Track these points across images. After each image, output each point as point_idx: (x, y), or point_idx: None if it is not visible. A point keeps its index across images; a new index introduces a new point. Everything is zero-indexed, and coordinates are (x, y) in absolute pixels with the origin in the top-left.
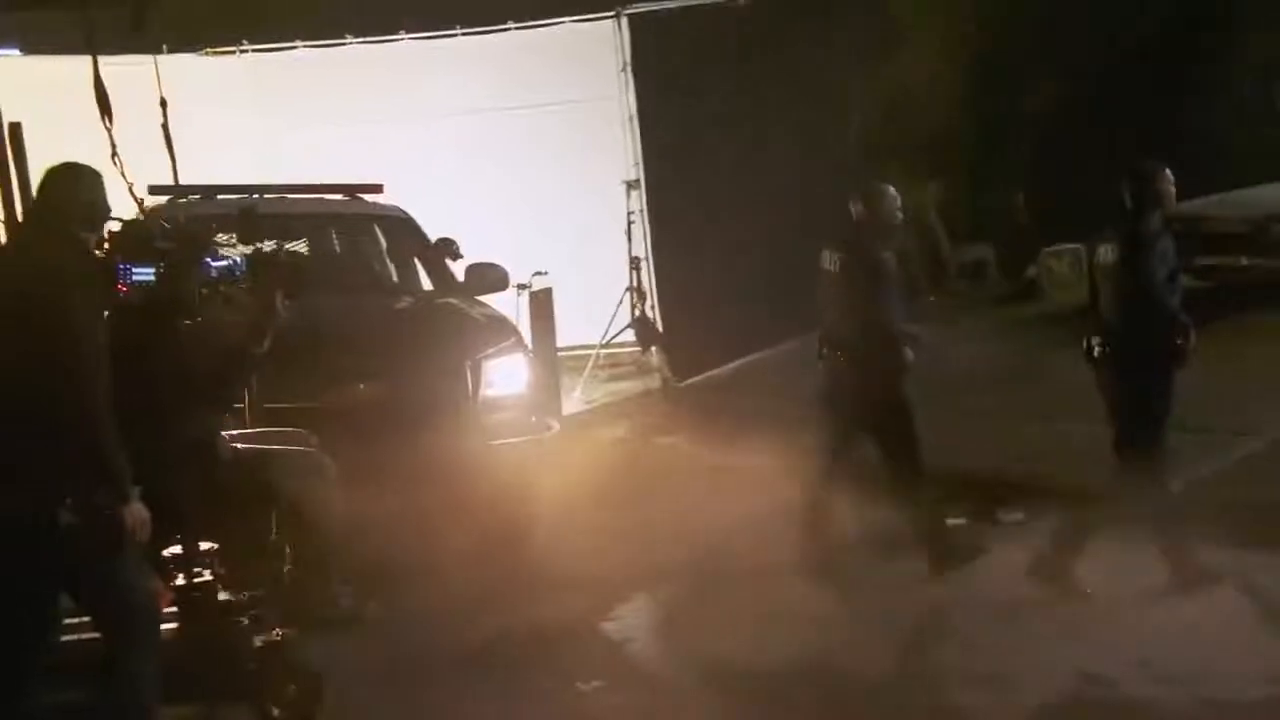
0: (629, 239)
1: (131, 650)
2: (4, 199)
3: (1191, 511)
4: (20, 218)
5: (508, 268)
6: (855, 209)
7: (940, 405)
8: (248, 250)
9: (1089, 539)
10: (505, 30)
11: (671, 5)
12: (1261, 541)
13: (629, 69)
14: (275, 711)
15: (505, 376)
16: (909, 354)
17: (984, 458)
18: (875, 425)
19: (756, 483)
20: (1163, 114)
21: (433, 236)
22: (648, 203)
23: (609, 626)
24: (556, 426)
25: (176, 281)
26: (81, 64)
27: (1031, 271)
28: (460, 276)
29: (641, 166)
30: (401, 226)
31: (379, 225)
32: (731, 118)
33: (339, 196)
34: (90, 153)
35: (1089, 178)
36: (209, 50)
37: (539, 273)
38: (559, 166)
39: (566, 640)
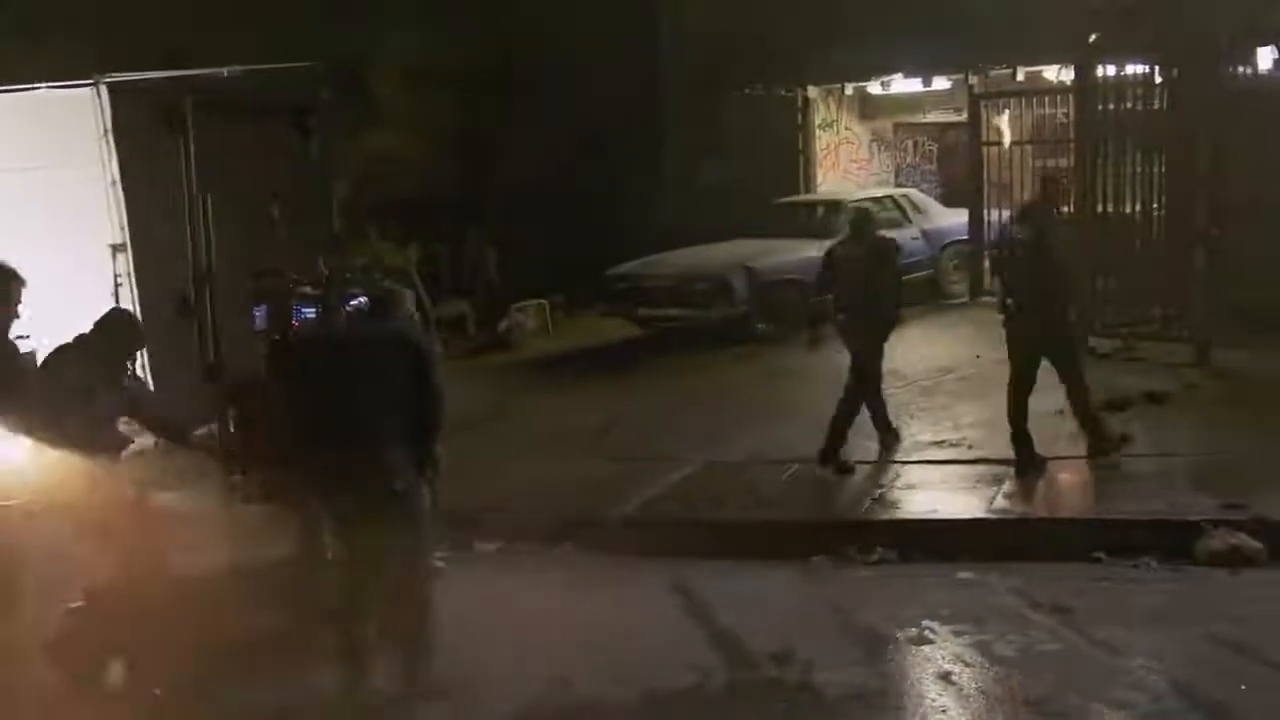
0: (117, 301)
1: (423, 578)
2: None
3: (642, 527)
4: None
5: None
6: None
7: None
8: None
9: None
10: None
11: (154, 75)
12: (692, 551)
13: (110, 135)
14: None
15: None
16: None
17: (466, 494)
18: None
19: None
20: (613, 190)
21: None
22: (135, 265)
23: None
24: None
25: (328, 316)
26: None
27: (503, 325)
28: None
29: (127, 230)
30: None
31: None
32: (221, 181)
33: None
34: None
35: (551, 243)
36: None
37: (21, 336)
38: (42, 231)
39: None
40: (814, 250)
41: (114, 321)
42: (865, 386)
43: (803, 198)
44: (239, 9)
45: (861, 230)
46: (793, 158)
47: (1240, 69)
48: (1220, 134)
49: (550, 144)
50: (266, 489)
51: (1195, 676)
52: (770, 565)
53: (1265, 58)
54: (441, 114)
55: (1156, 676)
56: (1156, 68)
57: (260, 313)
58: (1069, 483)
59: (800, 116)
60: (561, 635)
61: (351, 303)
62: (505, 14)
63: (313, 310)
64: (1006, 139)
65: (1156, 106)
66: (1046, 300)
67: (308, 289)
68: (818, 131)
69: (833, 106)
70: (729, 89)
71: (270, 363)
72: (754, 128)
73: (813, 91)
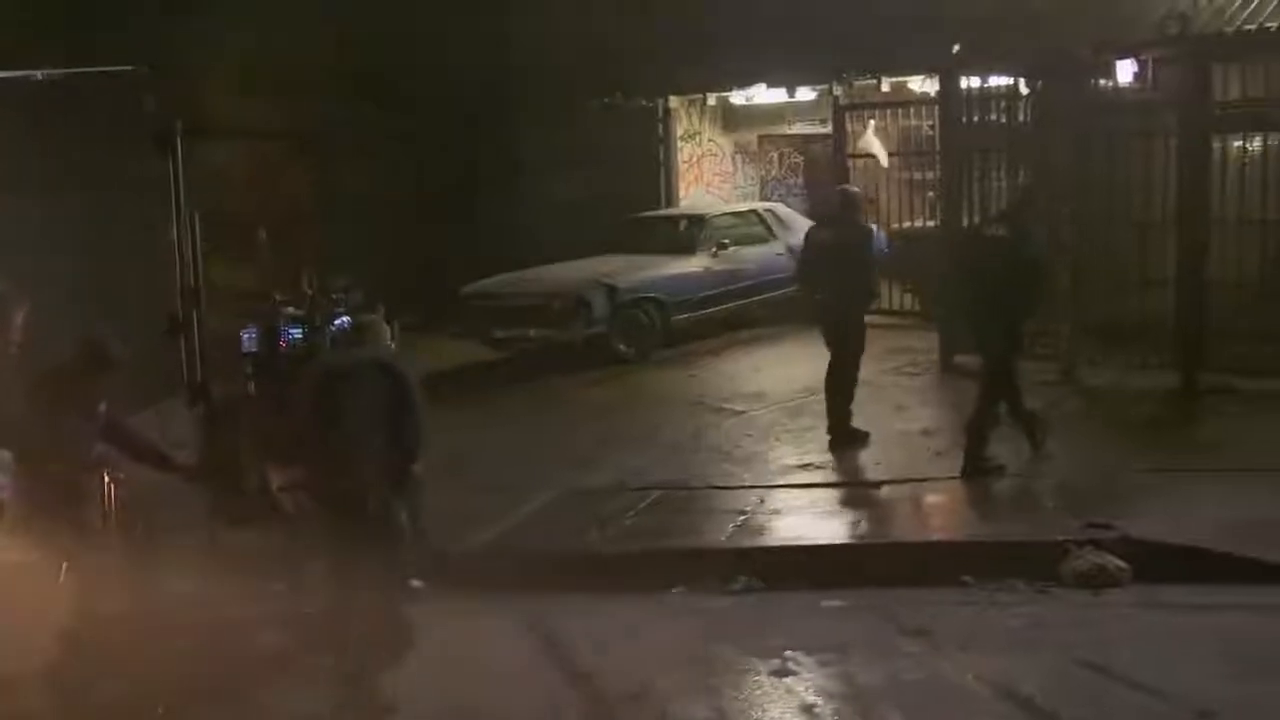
0: None
1: (397, 598)
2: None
3: (496, 560)
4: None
5: None
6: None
7: None
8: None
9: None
10: None
11: None
12: (548, 584)
13: None
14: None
15: None
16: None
17: None
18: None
19: None
20: (466, 202)
21: None
22: None
23: None
24: None
25: (313, 337)
26: None
27: None
28: None
29: None
30: None
31: None
32: (34, 186)
33: None
34: None
35: (399, 259)
36: None
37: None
38: None
39: None
40: (676, 267)
41: (91, 346)
42: (849, 354)
43: (664, 212)
44: (47, 9)
45: (840, 213)
46: (654, 170)
47: (1101, 82)
48: (1081, 148)
49: (397, 153)
50: (249, 511)
51: (1058, 700)
52: (630, 597)
53: (1125, 71)
54: (277, 121)
55: (1019, 701)
56: (1021, 80)
57: (250, 335)
58: (935, 505)
59: (661, 127)
60: (406, 675)
61: (335, 323)
62: (349, 13)
63: (299, 331)
64: (881, 155)
65: (1021, 119)
66: (1014, 304)
67: (292, 309)
68: (680, 143)
69: (695, 117)
70: (588, 98)
71: (257, 383)
72: (614, 139)
73: (674, 102)
